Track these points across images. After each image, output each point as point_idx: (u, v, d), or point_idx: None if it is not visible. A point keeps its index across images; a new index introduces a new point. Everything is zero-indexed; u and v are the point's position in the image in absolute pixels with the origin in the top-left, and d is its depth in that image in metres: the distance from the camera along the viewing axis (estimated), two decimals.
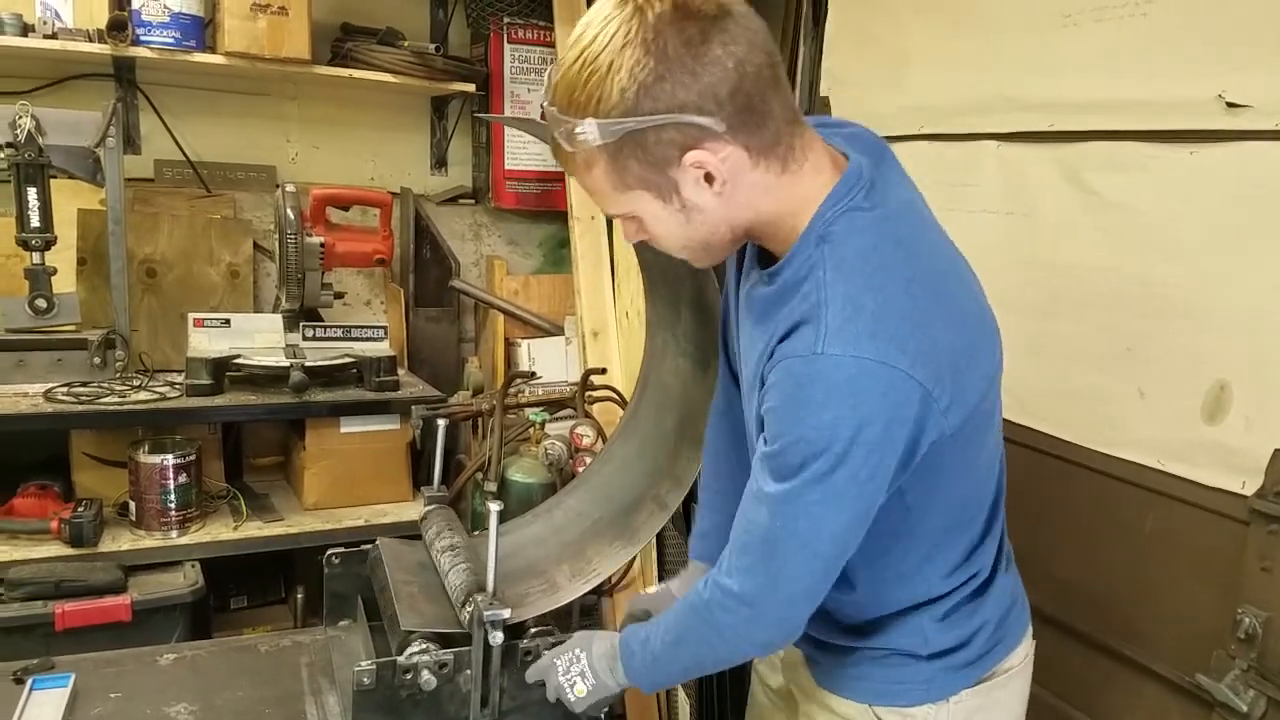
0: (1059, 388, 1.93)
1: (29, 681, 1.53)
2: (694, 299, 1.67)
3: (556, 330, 3.17)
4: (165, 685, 1.62)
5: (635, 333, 2.80)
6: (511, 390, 2.71)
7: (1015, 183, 2.01)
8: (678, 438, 1.76)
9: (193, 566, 2.36)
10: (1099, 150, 1.83)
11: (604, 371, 2.74)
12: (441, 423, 1.84)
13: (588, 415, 2.65)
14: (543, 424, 2.62)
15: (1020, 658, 1.41)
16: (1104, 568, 1.90)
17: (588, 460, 2.48)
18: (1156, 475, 1.76)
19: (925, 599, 1.33)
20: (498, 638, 1.46)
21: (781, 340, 1.14)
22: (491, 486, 2.54)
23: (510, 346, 3.18)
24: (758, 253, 1.27)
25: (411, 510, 2.64)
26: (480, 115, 1.71)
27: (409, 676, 1.46)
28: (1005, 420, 1.34)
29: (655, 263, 1.71)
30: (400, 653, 1.48)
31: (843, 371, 1.06)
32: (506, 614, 1.46)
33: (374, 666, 1.43)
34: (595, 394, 2.71)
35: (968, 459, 1.23)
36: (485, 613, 1.44)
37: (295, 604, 2.69)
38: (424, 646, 1.49)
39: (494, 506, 1.47)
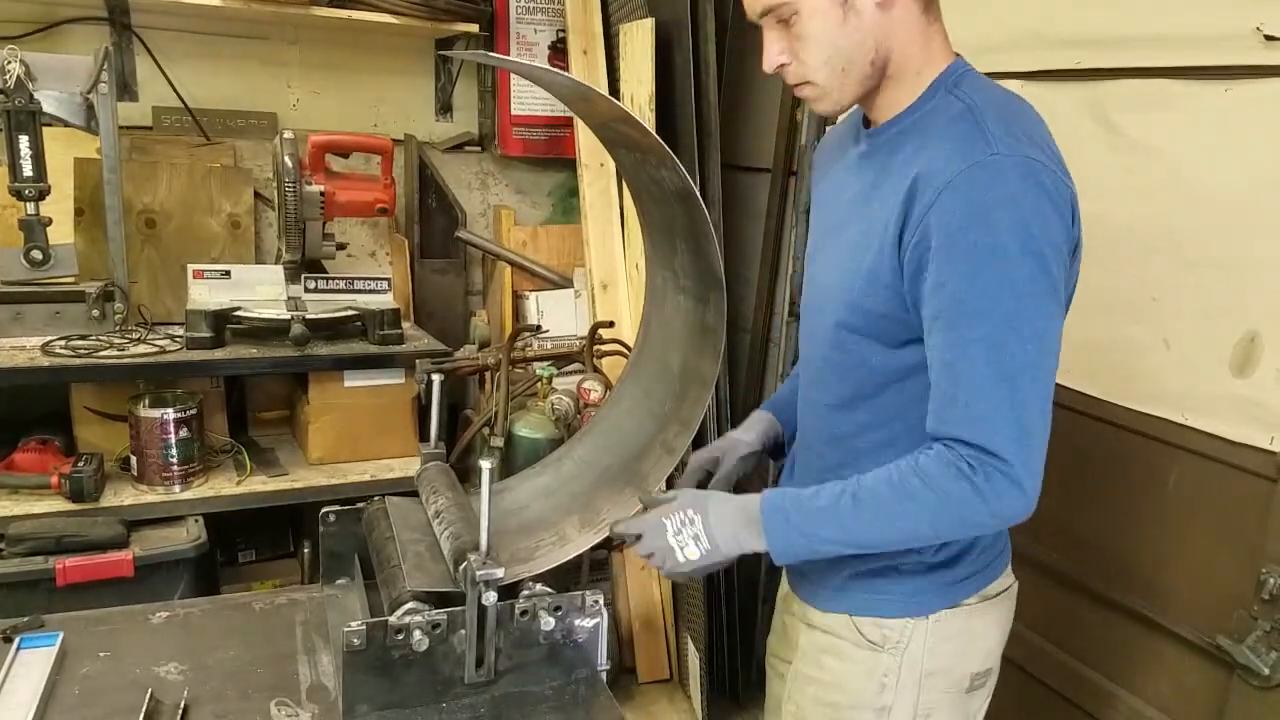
0: (1080, 339, 1.83)
1: (16, 640, 1.50)
2: (687, 228, 1.60)
3: (565, 282, 3.11)
4: (156, 644, 1.58)
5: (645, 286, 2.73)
6: (519, 344, 2.65)
7: None
8: (683, 378, 1.69)
9: (196, 521, 2.35)
10: (1128, 89, 1.74)
11: (612, 325, 2.67)
12: (437, 378, 1.79)
13: (596, 369, 2.59)
14: (550, 379, 2.56)
15: (1001, 587, 1.40)
16: (1125, 525, 1.83)
17: (596, 386, 2.44)
18: (1181, 430, 1.69)
19: None
20: (490, 597, 1.41)
21: (924, 180, 1.15)
22: (498, 442, 2.50)
23: (518, 299, 3.11)
24: (860, 127, 1.34)
25: (417, 465, 2.60)
26: (462, 54, 1.61)
27: (400, 637, 1.42)
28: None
29: (646, 193, 1.64)
30: (392, 612, 1.45)
31: (1020, 168, 1.10)
32: (499, 573, 1.41)
33: (364, 627, 1.39)
34: (604, 348, 2.65)
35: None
36: (478, 572, 1.40)
37: (303, 558, 2.67)
38: (416, 606, 1.46)
39: (485, 464, 1.41)
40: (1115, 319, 1.77)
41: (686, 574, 1.37)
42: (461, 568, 1.44)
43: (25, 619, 1.59)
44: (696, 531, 1.32)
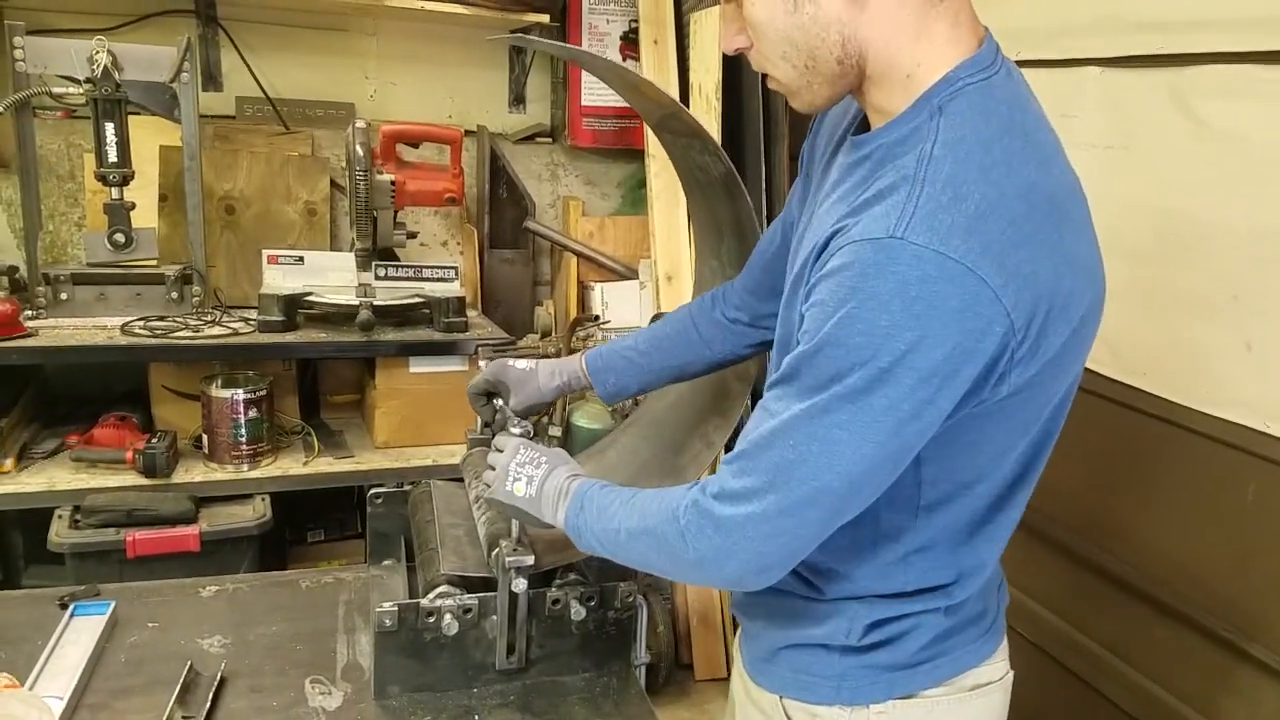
0: (1157, 339, 1.74)
1: (71, 607, 1.56)
2: (730, 220, 1.57)
3: (631, 274, 3.09)
4: (202, 617, 1.63)
5: None
6: (580, 334, 2.65)
7: (1118, 113, 1.81)
8: (725, 371, 1.66)
9: (262, 500, 2.41)
10: (1211, 75, 1.63)
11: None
12: (483, 363, 1.79)
13: None
14: None
15: (983, 679, 1.16)
16: (1202, 539, 1.72)
17: None
18: (1262, 439, 1.58)
19: (868, 589, 1.11)
20: (520, 585, 1.40)
21: (854, 216, 0.94)
22: (556, 431, 2.49)
23: (584, 290, 3.11)
24: (854, 125, 1.10)
25: None
26: (504, 38, 1.59)
27: (431, 620, 1.42)
28: (1097, 374, 1.14)
29: (692, 181, 1.61)
30: (425, 595, 1.45)
31: (919, 267, 0.86)
32: (529, 561, 1.40)
33: (396, 608, 1.40)
34: None
35: (1006, 428, 1.01)
36: (507, 559, 1.39)
37: (368, 540, 2.71)
38: (449, 590, 1.46)
39: (515, 429, 1.41)
40: (1191, 318, 1.67)
41: (502, 506, 1.30)
42: (494, 554, 1.44)
43: (83, 588, 1.65)
44: (534, 474, 1.27)
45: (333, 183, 2.92)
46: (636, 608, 1.57)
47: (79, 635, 1.50)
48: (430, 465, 2.57)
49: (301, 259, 2.63)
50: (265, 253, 2.59)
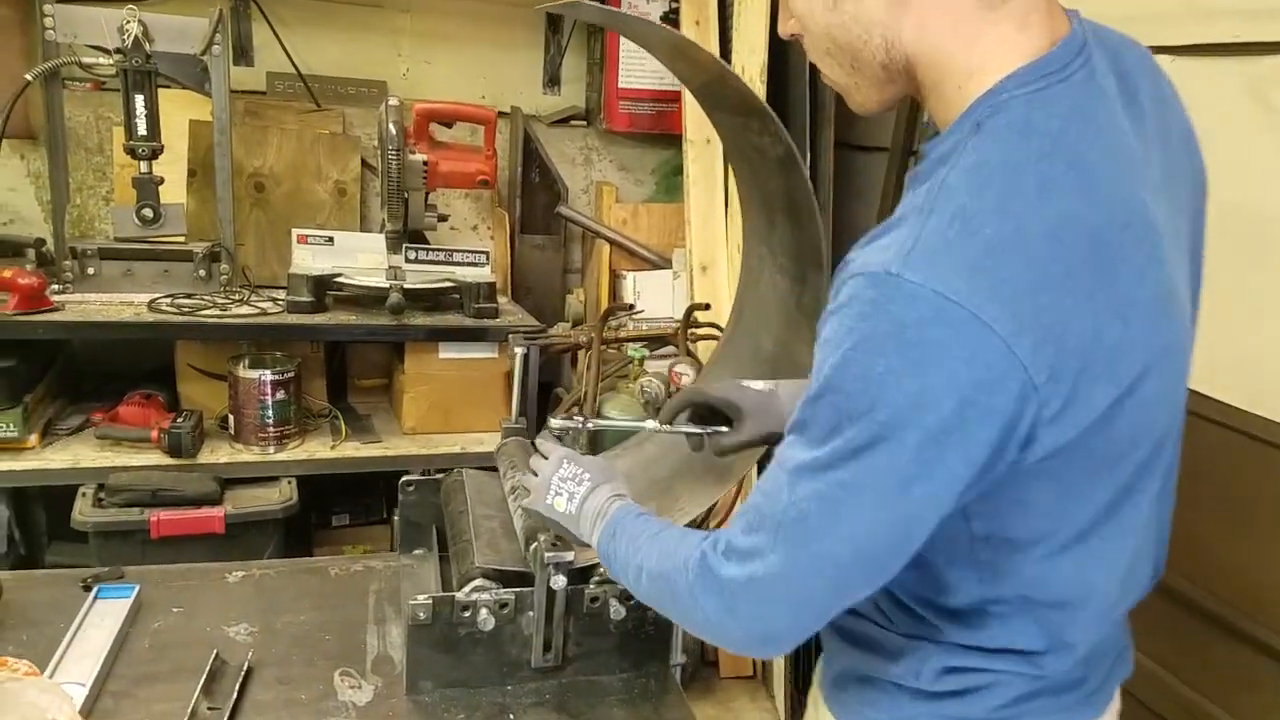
0: (1227, 344, 1.65)
1: (95, 589, 1.51)
2: (785, 204, 1.50)
3: (664, 263, 3.03)
4: (229, 603, 1.58)
5: None
6: (612, 324, 2.59)
7: (1192, 105, 1.73)
8: (776, 364, 1.60)
9: (289, 483, 2.37)
10: None
11: (708, 307, 2.58)
12: (519, 350, 1.74)
13: (689, 353, 2.51)
14: (642, 360, 2.49)
15: None
16: None
17: (689, 372, 2.35)
18: None
19: (945, 636, 0.99)
20: (559, 581, 1.35)
21: (863, 245, 0.85)
22: (590, 425, 2.44)
23: (615, 278, 3.05)
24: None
25: None
26: (562, 7, 1.47)
27: (467, 614, 1.37)
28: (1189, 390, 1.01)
29: (743, 162, 1.55)
30: (460, 588, 1.40)
31: (915, 309, 0.76)
32: (569, 557, 1.35)
33: (430, 601, 1.36)
34: (698, 331, 2.56)
35: (1056, 490, 0.88)
36: (547, 555, 1.34)
37: (394, 526, 2.66)
38: (484, 584, 1.41)
39: (556, 424, 1.35)
40: (1271, 322, 1.59)
41: (541, 518, 1.26)
42: (532, 548, 1.39)
43: (106, 570, 1.60)
44: (575, 491, 1.22)
45: (363, 162, 2.87)
46: None
47: (102, 619, 1.46)
48: (459, 453, 2.53)
49: (331, 239, 2.58)
50: (295, 232, 2.55)
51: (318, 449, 2.47)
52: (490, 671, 1.42)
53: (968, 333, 0.75)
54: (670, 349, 2.61)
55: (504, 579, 1.42)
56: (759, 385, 1.31)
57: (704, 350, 2.61)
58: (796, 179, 1.43)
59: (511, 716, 1.38)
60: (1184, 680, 1.81)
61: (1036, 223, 0.78)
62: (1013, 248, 0.77)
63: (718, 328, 2.55)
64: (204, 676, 1.35)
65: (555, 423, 1.34)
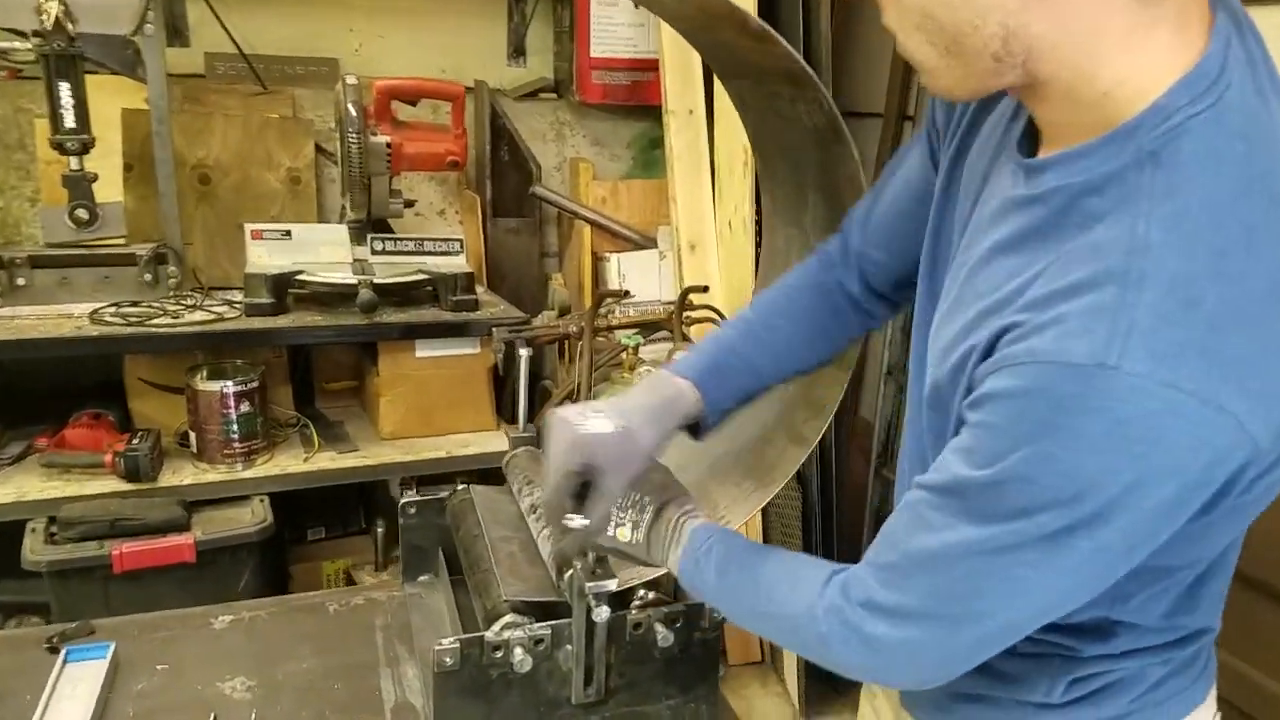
0: None
1: (64, 651, 1.32)
2: (822, 179, 1.35)
3: (649, 243, 2.86)
4: (219, 654, 1.40)
5: (739, 245, 2.48)
6: (601, 311, 2.42)
7: None
8: None
9: (261, 502, 2.19)
10: None
11: (705, 289, 2.42)
12: (524, 351, 1.57)
13: (685, 339, 2.35)
14: (636, 348, 2.33)
15: None
16: None
17: None
18: None
19: (1071, 650, 0.93)
20: (603, 613, 1.20)
21: (1033, 311, 0.72)
22: None
23: (598, 261, 2.87)
24: (1022, 133, 0.84)
25: (496, 440, 2.41)
26: None
27: (499, 655, 1.21)
28: None
29: (771, 135, 1.39)
30: (488, 626, 1.24)
31: (1139, 403, 0.66)
32: (612, 585, 1.20)
33: (457, 644, 1.19)
34: (694, 315, 2.41)
35: (1236, 521, 0.85)
36: (588, 584, 1.18)
37: (376, 537, 2.49)
38: (515, 619, 1.25)
39: None
40: None
41: (596, 548, 1.13)
42: (568, 577, 1.23)
43: (73, 625, 1.41)
44: (640, 519, 1.09)
45: (318, 147, 2.65)
46: (723, 624, 1.37)
47: (75, 686, 1.28)
48: (444, 457, 2.36)
49: (288, 233, 2.37)
50: (247, 227, 2.33)
51: (290, 463, 2.27)
52: (526, 713, 1.27)
53: (1200, 421, 0.67)
54: (664, 334, 2.45)
55: (535, 611, 1.27)
56: (601, 427, 1.05)
57: (699, 334, 2.46)
58: (840, 152, 1.28)
59: None
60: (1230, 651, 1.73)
61: (1256, 283, 0.68)
62: (1237, 317, 0.68)
63: (714, 310, 2.40)
64: None
65: None
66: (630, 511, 1.11)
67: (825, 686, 2.72)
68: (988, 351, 0.76)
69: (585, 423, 1.04)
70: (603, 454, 1.03)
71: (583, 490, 1.06)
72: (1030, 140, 0.83)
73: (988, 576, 0.76)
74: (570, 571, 1.23)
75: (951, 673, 0.85)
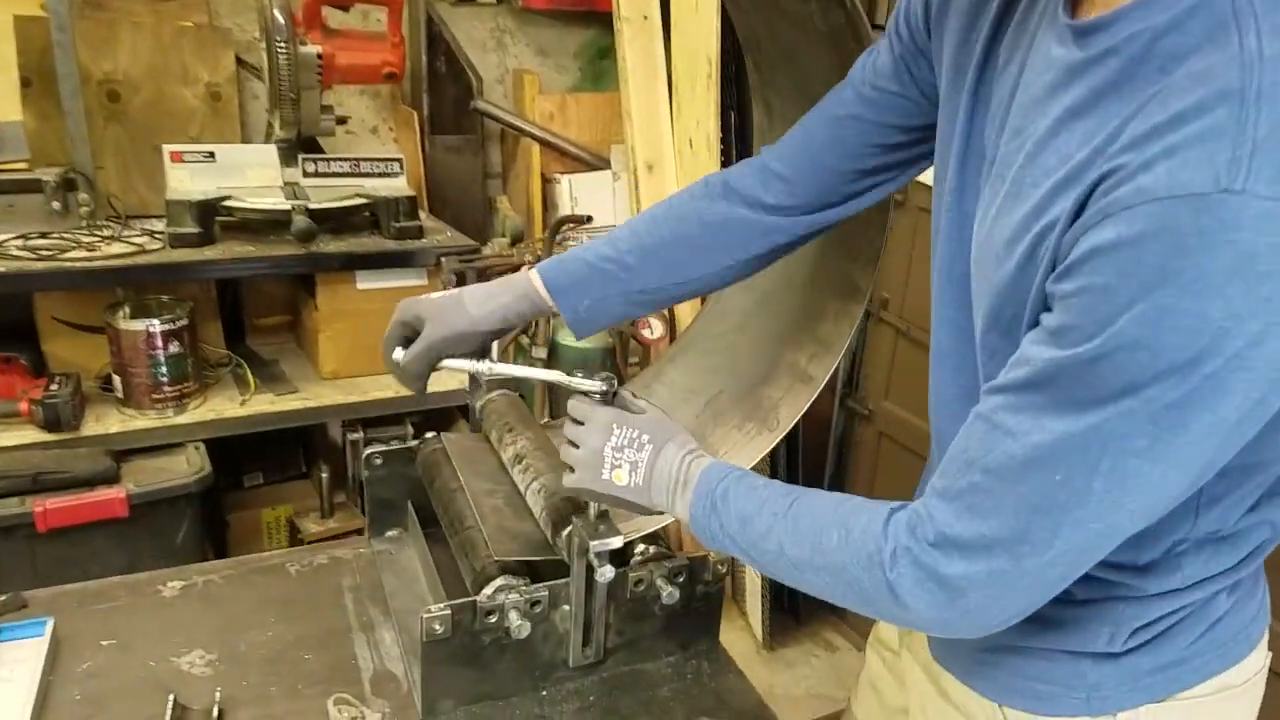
0: None
1: None
2: (831, 87, 1.23)
3: (601, 163, 2.70)
4: (172, 625, 1.27)
5: (702, 165, 2.35)
6: (557, 239, 2.28)
7: None
8: (817, 287, 1.36)
9: (196, 449, 2.04)
10: None
11: None
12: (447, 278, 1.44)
13: None
14: None
15: (1250, 670, 0.94)
16: None
17: (653, 323, 2.07)
18: None
19: (1135, 589, 0.86)
20: (607, 573, 1.11)
21: (1133, 150, 0.64)
22: (540, 352, 2.16)
23: (547, 183, 2.71)
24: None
25: (446, 379, 2.26)
26: None
27: (493, 620, 1.12)
28: None
29: (772, 38, 1.27)
30: (479, 590, 1.14)
31: (1270, 232, 0.59)
32: (617, 542, 1.11)
33: (448, 611, 1.10)
34: None
35: None
36: (591, 542, 1.08)
37: (320, 482, 2.35)
38: (508, 582, 1.15)
39: (592, 385, 1.07)
40: None
41: (598, 497, 1.03)
42: (565, 534, 1.14)
43: (3, 598, 1.26)
44: (638, 458, 1.00)
45: (239, 60, 2.42)
46: (726, 576, 1.29)
47: (11, 669, 1.15)
48: (391, 397, 2.22)
49: (212, 155, 2.16)
50: (166, 149, 2.12)
51: (225, 406, 2.11)
52: (521, 679, 1.19)
53: None
54: None
55: (529, 571, 1.17)
56: (436, 295, 1.19)
57: None
58: (854, 53, 1.16)
59: None
60: None
61: None
62: None
63: None
64: None
65: (590, 384, 1.06)
66: (628, 450, 1.00)
67: (787, 617, 2.71)
68: (1077, 212, 0.68)
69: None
70: (428, 307, 1.14)
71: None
72: (1070, 4, 0.75)
73: (1091, 474, 0.68)
74: (569, 529, 1.13)
75: (1036, 604, 0.77)
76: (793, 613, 2.73)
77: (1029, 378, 0.70)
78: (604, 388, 1.06)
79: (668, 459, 0.99)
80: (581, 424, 1.04)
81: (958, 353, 0.89)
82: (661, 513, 1.02)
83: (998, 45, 0.84)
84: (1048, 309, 0.70)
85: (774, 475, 2.61)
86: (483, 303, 1.13)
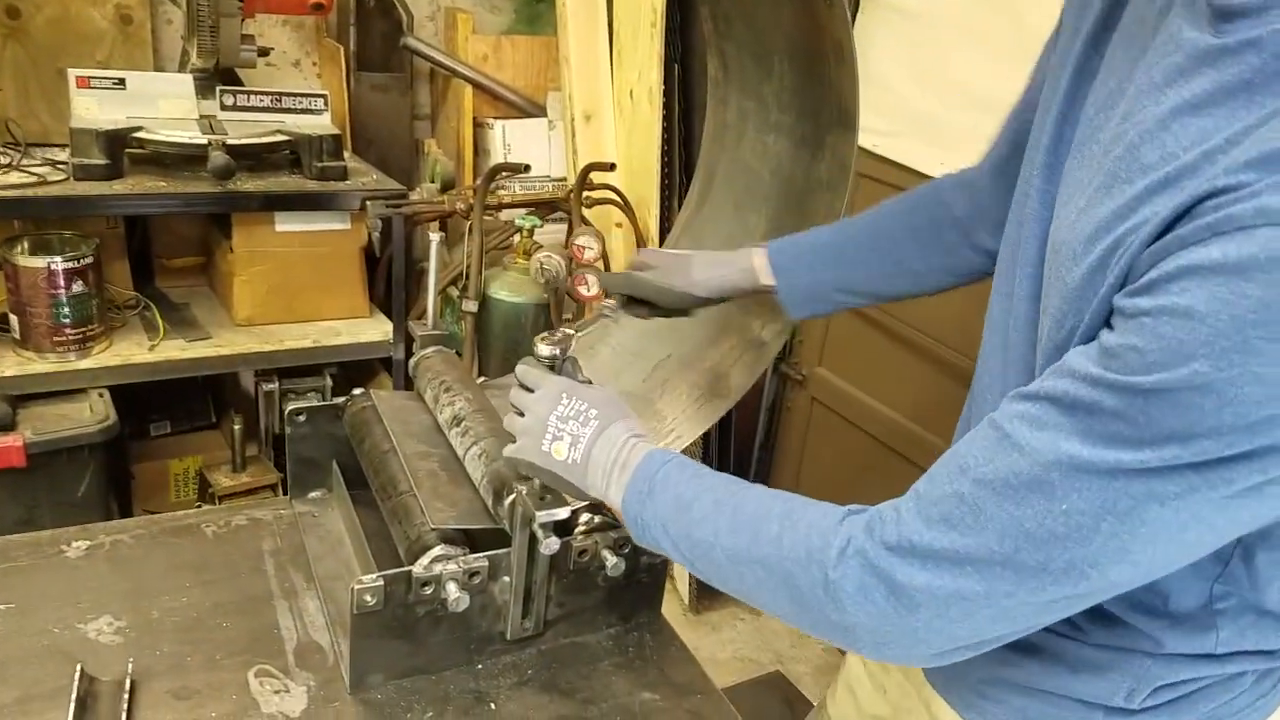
0: None
1: None
2: (795, 44, 1.19)
3: (537, 110, 2.61)
4: (77, 588, 1.19)
5: (643, 118, 2.29)
6: (490, 187, 2.20)
7: None
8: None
9: (100, 396, 1.93)
10: None
11: (612, 167, 2.23)
12: (435, 237, 1.36)
13: (585, 222, 2.17)
14: (532, 230, 2.14)
15: None
16: None
17: (590, 279, 2.02)
18: None
19: (1160, 646, 0.81)
20: (552, 545, 1.06)
21: (1255, 170, 0.56)
22: (471, 306, 2.09)
23: (479, 129, 2.61)
24: None
25: (369, 328, 2.19)
26: None
27: (429, 591, 1.07)
28: None
29: None
30: (413, 559, 1.09)
31: None
32: (564, 514, 1.06)
33: (381, 582, 1.04)
34: (593, 195, 2.23)
35: None
36: (539, 514, 1.04)
37: (232, 434, 2.25)
38: (446, 551, 1.10)
39: (543, 349, 1.03)
40: None
41: (534, 469, 0.98)
42: (508, 503, 1.09)
43: None
44: (580, 434, 0.93)
45: None
46: None
47: None
48: (310, 346, 2.13)
49: (122, 82, 2.03)
50: (71, 73, 1.97)
51: (132, 351, 2.00)
52: (455, 651, 1.15)
53: None
54: (559, 215, 2.26)
55: (469, 540, 1.12)
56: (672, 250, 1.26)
57: (599, 217, 2.28)
58: (821, 10, 1.11)
59: (493, 706, 1.11)
60: None
61: None
62: None
63: (614, 190, 2.23)
64: (71, 706, 0.98)
65: (544, 349, 1.01)
66: (572, 423, 0.94)
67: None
68: (1169, 226, 0.60)
69: None
70: (661, 257, 1.18)
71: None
72: None
73: (1102, 514, 0.61)
74: (512, 497, 1.08)
75: (987, 642, 0.70)
76: None
77: (1063, 395, 0.62)
78: (554, 352, 1.01)
79: (610, 439, 0.93)
80: (531, 391, 0.99)
81: (1014, 349, 0.81)
82: (594, 499, 0.96)
83: (1119, 13, 0.76)
84: (1109, 326, 0.63)
85: (705, 438, 2.59)
86: (707, 269, 1.16)
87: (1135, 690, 0.81)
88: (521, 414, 0.98)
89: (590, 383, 1.01)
